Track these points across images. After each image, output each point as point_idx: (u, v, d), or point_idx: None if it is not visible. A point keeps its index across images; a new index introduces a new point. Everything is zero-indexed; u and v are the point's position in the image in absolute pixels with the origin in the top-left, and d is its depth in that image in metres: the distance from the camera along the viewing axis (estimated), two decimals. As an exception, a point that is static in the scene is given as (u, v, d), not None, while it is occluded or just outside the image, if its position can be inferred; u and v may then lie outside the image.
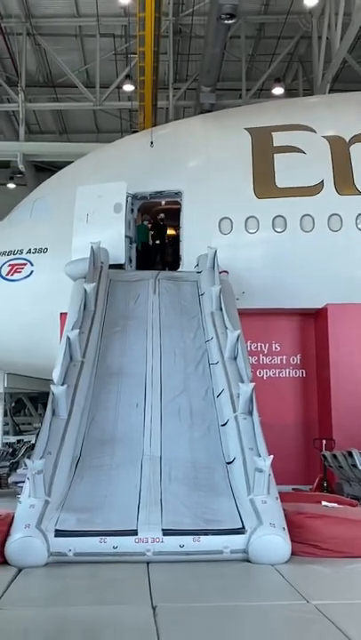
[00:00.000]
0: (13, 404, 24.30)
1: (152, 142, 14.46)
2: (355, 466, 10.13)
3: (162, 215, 15.38)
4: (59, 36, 21.51)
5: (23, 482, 7.12)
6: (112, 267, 12.77)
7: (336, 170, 13.90)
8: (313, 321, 13.73)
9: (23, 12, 20.24)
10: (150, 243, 15.29)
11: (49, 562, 6.17)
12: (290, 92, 22.26)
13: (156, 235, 15.42)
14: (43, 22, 20.90)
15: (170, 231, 15.51)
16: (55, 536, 6.28)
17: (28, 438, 19.93)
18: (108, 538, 6.26)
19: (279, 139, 14.17)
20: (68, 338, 9.36)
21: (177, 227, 14.60)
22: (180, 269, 13.71)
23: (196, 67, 21.54)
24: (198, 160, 14.69)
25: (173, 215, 14.75)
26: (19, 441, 19.22)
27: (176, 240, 14.75)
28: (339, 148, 14.06)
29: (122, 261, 13.24)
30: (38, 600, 5.24)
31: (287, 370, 13.58)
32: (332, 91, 18.31)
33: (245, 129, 14.49)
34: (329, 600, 5.02)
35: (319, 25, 19.12)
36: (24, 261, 14.61)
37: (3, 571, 5.95)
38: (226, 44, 19.42)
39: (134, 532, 6.32)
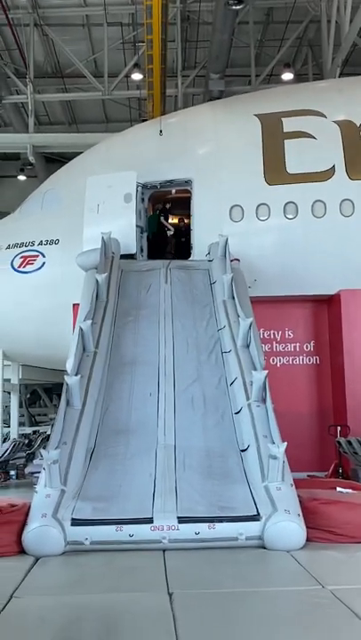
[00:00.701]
0: (29, 396, 24.46)
1: (161, 131, 14.40)
2: (370, 452, 10.13)
3: (168, 205, 15.31)
4: (66, 25, 21.43)
5: (39, 472, 7.18)
6: (123, 257, 12.78)
7: (347, 154, 13.78)
8: (326, 307, 13.67)
9: (30, 3, 20.17)
10: (170, 229, 15.22)
11: (66, 551, 6.25)
12: (299, 77, 22.05)
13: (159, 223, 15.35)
14: (50, 12, 20.82)
15: (173, 220, 15.46)
16: (71, 525, 6.36)
17: (43, 429, 20.07)
18: (124, 526, 6.34)
19: (289, 124, 14.06)
20: (81, 329, 9.40)
21: (185, 215, 14.56)
22: (191, 258, 13.68)
23: (204, 53, 21.40)
24: (208, 148, 14.62)
25: (181, 204, 14.71)
26: (34, 432, 19.35)
27: (185, 229, 14.73)
28: (350, 132, 13.94)
29: (133, 251, 13.24)
30: (56, 588, 5.31)
31: (301, 357, 13.55)
32: (342, 75, 18.10)
33: (255, 115, 14.39)
34: (344, 585, 5.05)
35: (328, 8, 18.91)
36: (36, 253, 14.65)
37: (20, 560, 6.03)
38: (234, 30, 19.27)
39: (150, 520, 6.38)
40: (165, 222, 15.12)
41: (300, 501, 6.69)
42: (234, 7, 16.34)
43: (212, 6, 18.05)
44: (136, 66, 20.81)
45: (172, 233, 15.38)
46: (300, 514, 6.50)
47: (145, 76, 19.05)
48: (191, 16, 21.05)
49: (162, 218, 15.16)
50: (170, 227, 15.14)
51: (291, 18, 20.70)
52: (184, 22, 21.16)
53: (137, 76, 20.82)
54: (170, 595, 4.84)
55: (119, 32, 21.41)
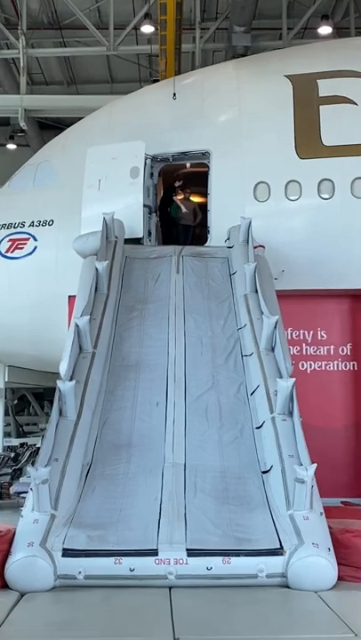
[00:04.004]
0: (16, 402, 24.59)
1: (175, 94, 14.36)
2: None
3: (179, 183, 15.37)
4: (65, -32, 21.44)
5: (27, 492, 7.23)
6: (128, 241, 12.80)
7: (394, 124, 13.72)
8: (366, 304, 13.66)
9: None
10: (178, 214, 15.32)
11: (56, 585, 6.29)
12: (339, 32, 21.92)
13: (165, 203, 15.37)
14: None
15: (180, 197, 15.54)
16: (63, 556, 6.39)
17: (32, 441, 20.17)
18: (123, 558, 6.37)
19: (326, 87, 13.97)
20: (77, 325, 9.45)
21: (202, 194, 14.57)
22: (207, 244, 13.68)
23: (227, 2, 21.32)
24: (230, 114, 14.57)
25: (196, 180, 14.72)
26: (22, 444, 19.47)
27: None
28: None
29: (140, 235, 13.25)
30: (43, 630, 5.34)
31: (335, 362, 13.52)
32: (389, 29, 18.03)
33: (286, 76, 14.32)
34: (381, 634, 5.05)
35: None
36: (26, 236, 14.70)
37: (2, 596, 6.07)
38: (263, -25, 19.21)
39: (154, 552, 6.41)
40: (179, 203, 15.17)
41: (330, 533, 6.69)
42: None
43: None
44: (147, 16, 20.75)
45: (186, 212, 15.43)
46: (331, 548, 6.50)
47: (157, 29, 19.01)
48: None
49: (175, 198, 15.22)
50: (183, 207, 15.16)
51: None
52: (204, -35, 21.11)
53: (148, 29, 20.75)
54: (176, 641, 4.87)
55: (127, -24, 21.39)
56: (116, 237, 12.30)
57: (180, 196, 15.40)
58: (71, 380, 8.58)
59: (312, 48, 16.64)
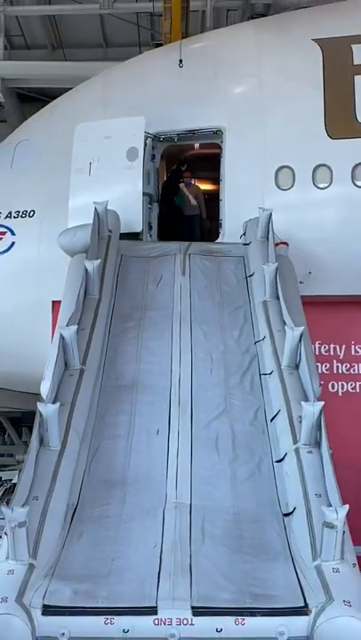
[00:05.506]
0: (-12, 429, 24.64)
1: (181, 60, 14.46)
2: None
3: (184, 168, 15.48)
4: None
5: (0, 537, 7.22)
6: (124, 236, 12.86)
7: None
8: None
9: None
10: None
11: (34, 649, 6.26)
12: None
13: (169, 190, 15.44)
14: None
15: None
16: (43, 614, 6.35)
17: (8, 476, 20.17)
18: (115, 617, 6.33)
19: (362, 54, 14.10)
20: (62, 337, 9.46)
21: (212, 180, 14.63)
22: (219, 240, 13.72)
23: None
24: (247, 85, 14.67)
25: (205, 164, 14.75)
26: (-5, 479, 19.49)
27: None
28: None
29: (138, 229, 13.33)
30: None
31: (373, 383, 13.56)
32: None
33: (314, 40, 14.40)
34: None
35: None
36: (3, 229, 14.78)
37: (-30, 662, 6.06)
38: None
39: (153, 611, 6.37)
40: (187, 193, 15.27)
41: (366, 589, 6.66)
42: None
43: None
44: (148, -33, 20.87)
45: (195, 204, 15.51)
46: (366, 606, 6.47)
47: (160, -17, 19.11)
48: None
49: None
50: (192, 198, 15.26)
51: None
52: None
53: (149, -18, 20.87)
54: None
55: None
56: (110, 232, 12.35)
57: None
58: (55, 402, 8.53)
59: (345, 6, 16.68)
